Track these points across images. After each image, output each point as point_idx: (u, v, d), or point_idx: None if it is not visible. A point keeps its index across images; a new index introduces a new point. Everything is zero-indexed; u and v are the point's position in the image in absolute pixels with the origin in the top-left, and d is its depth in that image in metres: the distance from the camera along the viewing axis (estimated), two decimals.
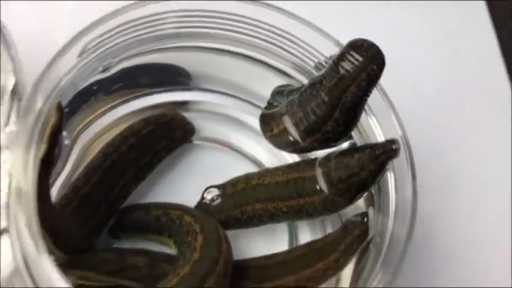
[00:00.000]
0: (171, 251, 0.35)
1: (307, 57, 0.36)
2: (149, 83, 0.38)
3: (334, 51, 0.33)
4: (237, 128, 0.40)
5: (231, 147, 0.40)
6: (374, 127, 0.34)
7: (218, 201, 0.35)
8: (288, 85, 0.37)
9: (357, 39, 0.31)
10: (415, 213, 0.31)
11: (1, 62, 0.29)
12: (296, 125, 0.33)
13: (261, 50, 0.37)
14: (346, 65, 0.31)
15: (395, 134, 0.33)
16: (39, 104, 0.29)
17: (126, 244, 0.36)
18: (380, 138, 0.34)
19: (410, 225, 0.31)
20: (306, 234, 0.38)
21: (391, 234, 0.32)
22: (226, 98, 0.40)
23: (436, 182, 0.42)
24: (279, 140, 0.35)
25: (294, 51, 0.36)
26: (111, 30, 0.32)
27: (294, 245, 0.37)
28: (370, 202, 0.34)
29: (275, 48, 0.37)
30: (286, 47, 0.36)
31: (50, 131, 0.29)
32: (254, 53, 0.37)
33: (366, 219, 0.34)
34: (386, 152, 0.32)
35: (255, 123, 0.38)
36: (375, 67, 0.31)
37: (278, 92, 0.36)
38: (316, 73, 0.35)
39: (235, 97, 0.40)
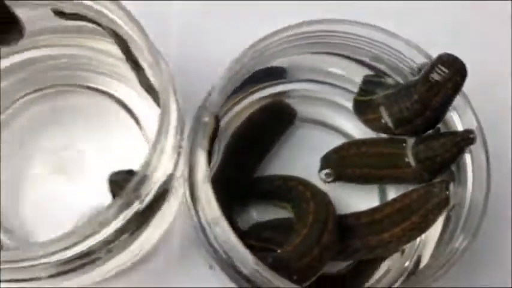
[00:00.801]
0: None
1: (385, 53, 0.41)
2: (264, 80, 0.45)
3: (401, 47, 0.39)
4: (329, 109, 0.45)
5: (326, 125, 0.45)
6: (455, 119, 0.39)
7: (330, 179, 0.42)
8: (377, 75, 0.42)
9: (444, 54, 0.37)
10: (489, 193, 0.37)
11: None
12: (391, 116, 0.39)
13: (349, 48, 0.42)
14: (436, 76, 0.36)
15: (472, 125, 0.38)
16: (207, 116, 0.36)
17: (252, 210, 0.43)
18: (459, 127, 0.39)
19: (485, 202, 0.37)
20: (392, 192, 0.43)
21: (469, 204, 0.38)
22: (317, 84, 0.45)
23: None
24: (372, 124, 0.41)
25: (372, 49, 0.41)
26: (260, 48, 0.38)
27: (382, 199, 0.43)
28: (451, 177, 0.40)
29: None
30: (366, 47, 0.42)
31: (209, 137, 0.37)
32: (344, 51, 0.43)
33: (447, 191, 0.38)
34: (465, 139, 0.38)
35: (344, 102, 0.44)
36: (458, 78, 0.36)
37: (368, 81, 0.42)
38: (410, 76, 0.40)
39: (325, 83, 0.45)
